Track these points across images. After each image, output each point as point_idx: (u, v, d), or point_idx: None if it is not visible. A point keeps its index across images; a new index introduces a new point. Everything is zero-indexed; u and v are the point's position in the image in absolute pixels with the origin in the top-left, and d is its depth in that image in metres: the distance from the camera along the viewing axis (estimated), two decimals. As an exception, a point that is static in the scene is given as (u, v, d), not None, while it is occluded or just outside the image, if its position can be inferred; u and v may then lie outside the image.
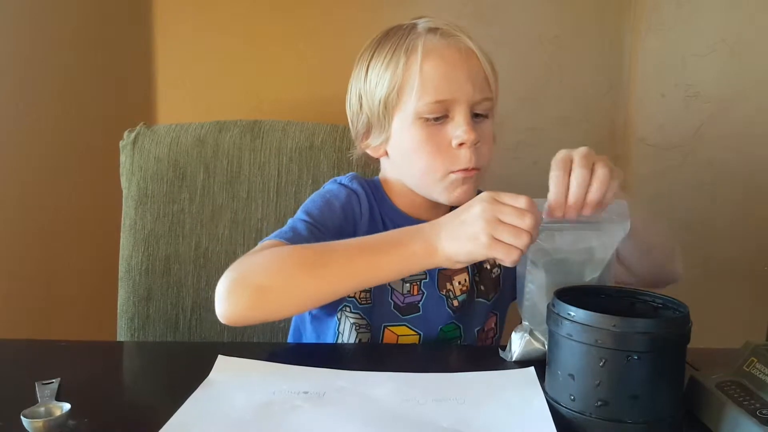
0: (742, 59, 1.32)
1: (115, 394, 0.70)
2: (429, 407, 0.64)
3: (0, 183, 1.20)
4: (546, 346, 0.70)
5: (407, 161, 0.89)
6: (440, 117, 0.85)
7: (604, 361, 0.60)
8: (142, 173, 1.13)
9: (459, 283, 0.92)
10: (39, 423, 0.58)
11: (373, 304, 0.89)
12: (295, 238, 0.81)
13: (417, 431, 0.60)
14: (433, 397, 0.66)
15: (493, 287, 0.95)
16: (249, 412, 0.63)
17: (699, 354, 0.67)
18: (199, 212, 1.13)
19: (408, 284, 0.90)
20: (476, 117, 0.87)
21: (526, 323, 0.76)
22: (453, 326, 0.92)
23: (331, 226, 0.86)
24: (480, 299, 0.94)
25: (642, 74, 1.36)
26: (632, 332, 0.59)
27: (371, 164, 1.01)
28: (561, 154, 0.71)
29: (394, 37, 0.89)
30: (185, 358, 0.82)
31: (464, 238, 0.69)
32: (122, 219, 1.14)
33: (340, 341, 0.89)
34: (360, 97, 0.91)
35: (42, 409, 0.60)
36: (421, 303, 0.90)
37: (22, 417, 0.58)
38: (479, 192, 0.77)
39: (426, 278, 0.90)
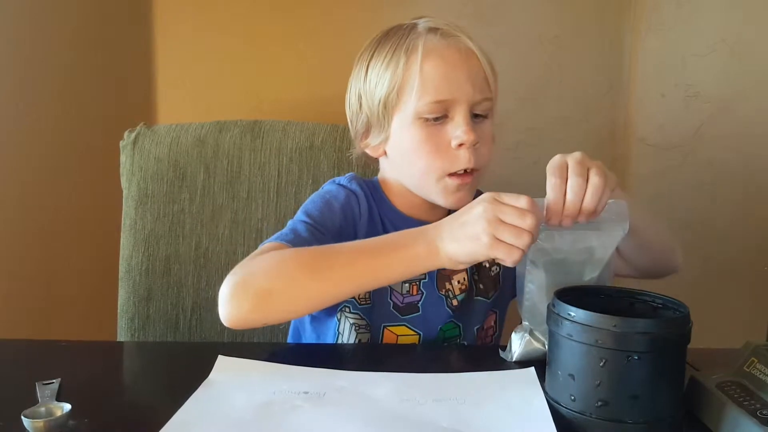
0: (742, 59, 1.32)
1: (115, 394, 0.70)
2: (429, 407, 0.64)
3: (0, 183, 1.20)
4: (546, 346, 0.70)
5: (406, 161, 0.89)
6: (440, 117, 0.86)
7: (604, 361, 0.60)
8: (142, 173, 1.13)
9: (458, 282, 0.92)
10: (39, 423, 0.58)
11: (373, 304, 0.89)
12: (296, 240, 0.81)
13: (417, 431, 0.61)
14: (433, 397, 0.66)
15: (492, 285, 0.95)
16: (249, 412, 0.63)
17: (699, 354, 0.67)
18: (199, 212, 1.13)
19: (407, 284, 0.90)
20: (476, 117, 0.87)
21: (526, 323, 0.76)
22: (452, 325, 0.92)
23: (332, 227, 0.86)
24: (479, 298, 0.94)
25: (642, 74, 1.36)
26: (632, 332, 0.59)
27: (371, 164, 1.01)
28: (556, 159, 0.72)
29: (394, 37, 0.89)
30: (185, 359, 0.82)
31: (466, 238, 0.69)
32: (122, 219, 1.14)
33: (339, 342, 0.89)
34: (359, 97, 0.91)
35: (43, 409, 0.61)
36: (420, 303, 0.90)
37: (22, 417, 0.58)
38: (479, 192, 0.78)
39: (425, 278, 0.90)
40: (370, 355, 0.84)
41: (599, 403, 0.60)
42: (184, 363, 0.79)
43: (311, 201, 0.91)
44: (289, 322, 0.99)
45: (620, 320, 0.59)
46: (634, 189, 1.37)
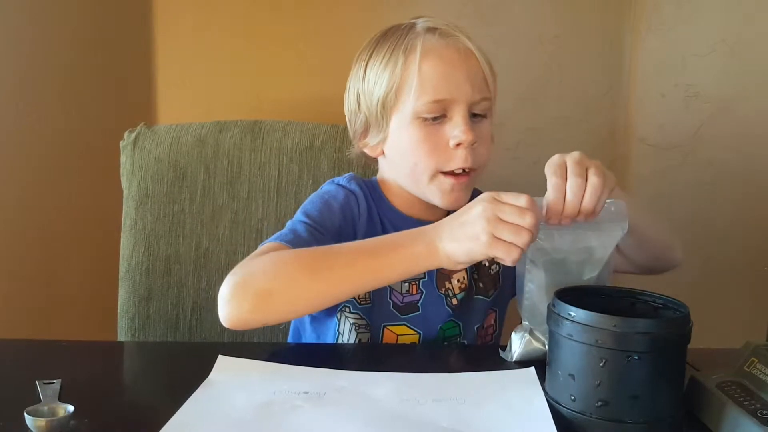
0: (742, 59, 1.32)
1: (115, 394, 0.70)
2: (429, 407, 0.64)
3: (0, 183, 1.20)
4: (546, 346, 0.70)
5: (403, 161, 0.89)
6: (438, 117, 0.86)
7: (604, 361, 0.60)
8: (142, 173, 1.13)
9: (458, 281, 0.92)
10: (42, 422, 0.58)
11: (373, 304, 0.89)
12: (295, 241, 0.81)
13: (417, 431, 0.61)
14: (433, 397, 0.66)
15: (492, 284, 0.95)
16: (249, 412, 0.63)
17: (699, 354, 0.67)
18: (199, 212, 1.13)
19: (407, 284, 0.90)
20: (474, 117, 0.87)
21: (526, 323, 0.76)
22: (452, 324, 0.92)
23: (331, 227, 0.86)
24: (479, 296, 0.94)
25: (642, 74, 1.36)
26: (632, 332, 0.59)
27: (371, 165, 1.01)
28: (555, 159, 0.72)
29: (393, 37, 0.89)
30: (186, 358, 0.82)
31: (465, 238, 0.69)
32: (123, 219, 1.14)
33: (340, 342, 0.89)
34: (358, 97, 0.91)
35: (45, 408, 0.61)
36: (420, 302, 0.90)
37: (25, 414, 0.58)
38: (478, 192, 0.78)
39: (425, 277, 0.90)
40: (370, 355, 0.84)
41: (599, 403, 0.60)
42: (184, 363, 0.79)
43: (310, 201, 0.91)
44: (289, 323, 0.99)
45: (620, 320, 0.59)
46: (634, 189, 1.37)
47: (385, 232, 0.90)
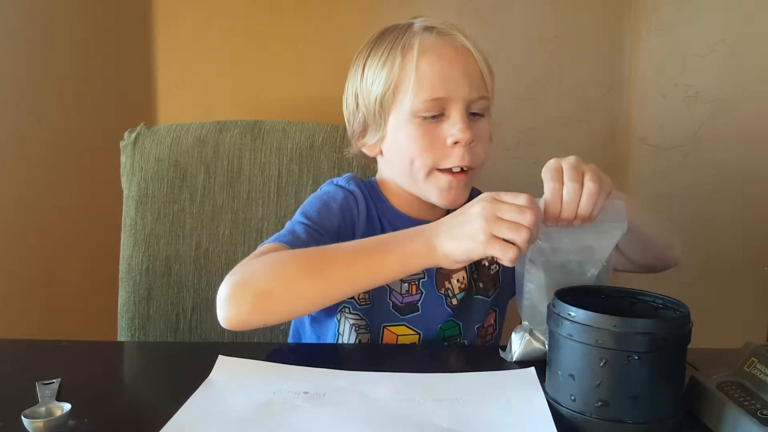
0: (742, 59, 1.32)
1: (115, 394, 0.70)
2: (429, 407, 0.64)
3: (0, 183, 1.20)
4: (546, 346, 0.70)
5: (401, 159, 0.89)
6: (436, 115, 0.86)
7: (604, 361, 0.60)
8: (142, 173, 1.13)
9: (457, 281, 0.92)
10: (39, 423, 0.58)
11: (372, 304, 0.89)
12: (294, 241, 0.81)
13: (417, 431, 0.61)
14: (433, 397, 0.66)
15: (492, 284, 0.95)
16: (249, 412, 0.63)
17: (699, 354, 0.67)
18: (199, 212, 1.13)
19: (406, 284, 0.90)
20: (472, 116, 0.87)
21: (526, 323, 0.76)
22: (452, 324, 0.92)
23: (330, 227, 0.86)
24: (479, 296, 0.94)
25: (642, 74, 1.36)
26: (632, 332, 0.59)
27: (371, 165, 1.01)
28: (551, 164, 0.72)
29: (390, 36, 0.89)
30: (185, 358, 0.82)
31: (463, 236, 0.69)
32: (123, 219, 1.14)
33: (340, 342, 0.89)
34: (356, 96, 0.92)
35: (42, 409, 0.61)
36: (419, 302, 0.90)
37: (22, 417, 0.58)
38: (478, 193, 0.78)
39: (424, 278, 0.90)
40: (370, 355, 0.84)
41: (599, 403, 0.60)
42: (184, 363, 0.79)
43: (309, 202, 0.91)
44: (289, 323, 0.99)
45: (620, 320, 0.59)
46: (635, 189, 1.37)
47: (384, 232, 0.90)
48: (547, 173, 0.72)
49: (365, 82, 0.90)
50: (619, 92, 1.38)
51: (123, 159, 1.15)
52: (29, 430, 0.58)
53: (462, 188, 0.87)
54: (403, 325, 0.90)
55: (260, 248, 0.81)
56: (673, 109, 1.36)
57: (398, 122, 0.88)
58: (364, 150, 0.94)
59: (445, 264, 0.72)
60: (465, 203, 0.85)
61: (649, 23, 1.34)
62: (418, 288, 0.90)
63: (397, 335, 0.90)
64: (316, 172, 1.14)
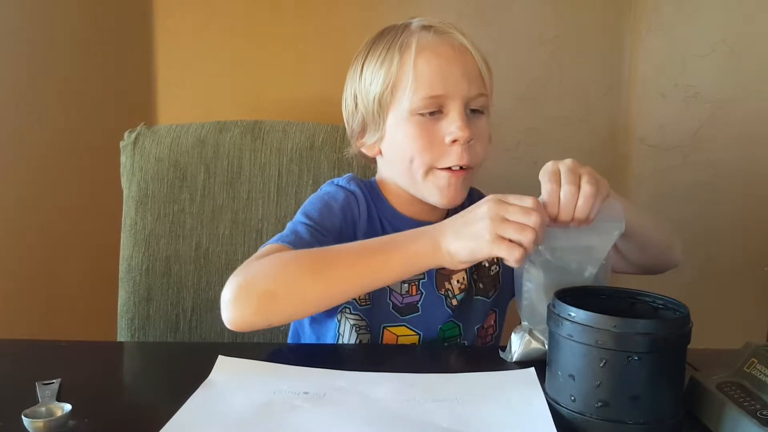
0: (742, 59, 1.32)
1: (115, 394, 0.70)
2: (429, 407, 0.64)
3: (0, 183, 1.20)
4: (546, 346, 0.70)
5: (400, 158, 0.89)
6: (434, 112, 0.86)
7: (604, 361, 0.60)
8: (142, 173, 1.13)
9: (457, 281, 0.92)
10: (39, 423, 0.58)
11: (372, 305, 0.89)
12: (297, 242, 0.81)
13: (417, 431, 0.61)
14: (433, 398, 0.66)
15: (492, 285, 0.95)
16: (249, 412, 0.63)
17: (699, 354, 0.67)
18: (199, 212, 1.13)
19: (406, 285, 0.90)
20: (471, 114, 0.87)
21: (526, 323, 0.76)
22: (452, 325, 0.92)
23: (332, 228, 0.86)
24: (479, 297, 0.94)
25: (642, 74, 1.36)
26: (632, 333, 0.59)
27: (371, 165, 1.01)
28: (549, 166, 0.73)
29: (388, 36, 0.89)
30: (185, 359, 0.82)
31: (468, 236, 0.70)
32: (123, 219, 1.14)
33: (340, 343, 0.89)
34: (355, 97, 0.92)
35: (43, 409, 0.61)
36: (420, 303, 0.90)
37: (23, 417, 0.58)
38: (480, 195, 0.78)
39: (424, 278, 0.90)
40: (370, 356, 0.84)
41: (599, 404, 0.60)
42: (184, 363, 0.79)
43: (310, 202, 0.91)
44: (289, 323, 0.99)
45: (620, 321, 0.59)
46: (635, 189, 1.37)
47: (384, 232, 0.90)
48: (544, 176, 0.72)
49: (363, 82, 0.90)
50: (619, 92, 1.38)
51: (123, 159, 1.15)
52: (29, 429, 0.58)
53: (461, 186, 0.87)
54: (403, 325, 0.90)
55: (263, 249, 0.81)
56: (673, 109, 1.36)
57: (397, 121, 0.88)
58: (364, 150, 0.94)
59: (450, 264, 0.72)
60: (464, 203, 0.86)
61: (649, 23, 1.34)
62: (418, 288, 0.90)
63: (397, 336, 0.90)
64: (316, 172, 1.14)
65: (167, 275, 1.12)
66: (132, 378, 0.80)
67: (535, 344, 0.75)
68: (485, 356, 0.79)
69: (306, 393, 0.67)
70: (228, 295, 0.74)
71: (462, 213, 0.73)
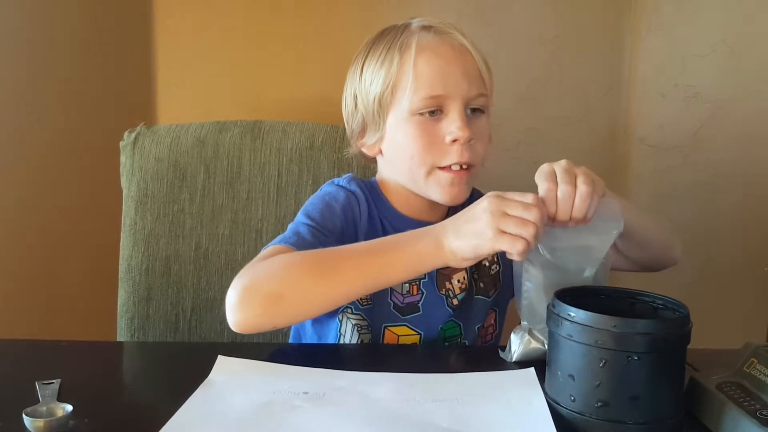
0: (742, 59, 1.32)
1: (115, 394, 0.70)
2: (429, 407, 0.64)
3: (0, 183, 1.20)
4: (545, 345, 0.70)
5: (401, 158, 0.89)
6: (434, 111, 0.86)
7: (604, 361, 0.60)
8: (142, 173, 1.13)
9: (458, 281, 0.92)
10: (40, 423, 0.58)
11: (373, 305, 0.89)
12: (299, 243, 0.81)
13: (417, 431, 0.61)
14: (433, 398, 0.66)
15: (492, 284, 0.95)
16: (249, 412, 0.63)
17: (699, 354, 0.67)
18: (199, 212, 1.13)
19: (407, 284, 0.90)
20: (471, 113, 0.87)
21: (525, 323, 0.76)
22: (453, 324, 0.92)
23: (333, 228, 0.86)
24: (479, 297, 0.94)
25: (642, 74, 1.36)
26: (632, 333, 0.59)
27: (371, 165, 1.01)
28: (544, 168, 0.73)
29: (388, 36, 0.89)
30: (185, 359, 0.82)
31: (470, 234, 0.70)
32: (122, 219, 1.14)
33: (341, 343, 0.89)
34: (355, 97, 0.92)
35: (44, 408, 0.61)
36: (420, 303, 0.90)
37: (23, 415, 0.58)
38: (479, 194, 0.78)
39: (425, 278, 0.90)
40: (371, 356, 0.84)
41: (599, 404, 0.60)
42: (184, 363, 0.79)
43: (311, 203, 0.91)
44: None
45: (620, 321, 0.59)
46: (634, 189, 1.37)
47: (385, 232, 0.90)
48: (540, 176, 0.73)
49: (363, 83, 0.90)
50: (619, 92, 1.38)
51: (123, 159, 1.15)
52: (30, 428, 0.58)
53: (464, 184, 0.88)
54: (404, 325, 0.90)
55: (265, 250, 0.81)
56: (673, 109, 1.36)
57: (397, 121, 0.88)
58: (364, 150, 0.94)
59: (454, 263, 0.72)
60: (466, 203, 0.86)
61: (649, 23, 1.34)
62: (419, 288, 0.90)
63: (398, 335, 0.90)
64: (316, 172, 1.14)
65: (167, 275, 1.12)
66: (132, 378, 0.80)
67: (534, 344, 0.75)
68: (485, 356, 0.79)
69: (306, 393, 0.67)
70: (233, 298, 0.74)
71: (463, 211, 0.73)
